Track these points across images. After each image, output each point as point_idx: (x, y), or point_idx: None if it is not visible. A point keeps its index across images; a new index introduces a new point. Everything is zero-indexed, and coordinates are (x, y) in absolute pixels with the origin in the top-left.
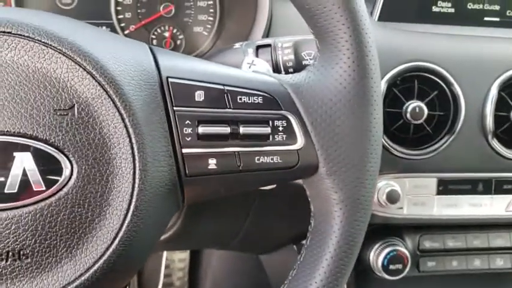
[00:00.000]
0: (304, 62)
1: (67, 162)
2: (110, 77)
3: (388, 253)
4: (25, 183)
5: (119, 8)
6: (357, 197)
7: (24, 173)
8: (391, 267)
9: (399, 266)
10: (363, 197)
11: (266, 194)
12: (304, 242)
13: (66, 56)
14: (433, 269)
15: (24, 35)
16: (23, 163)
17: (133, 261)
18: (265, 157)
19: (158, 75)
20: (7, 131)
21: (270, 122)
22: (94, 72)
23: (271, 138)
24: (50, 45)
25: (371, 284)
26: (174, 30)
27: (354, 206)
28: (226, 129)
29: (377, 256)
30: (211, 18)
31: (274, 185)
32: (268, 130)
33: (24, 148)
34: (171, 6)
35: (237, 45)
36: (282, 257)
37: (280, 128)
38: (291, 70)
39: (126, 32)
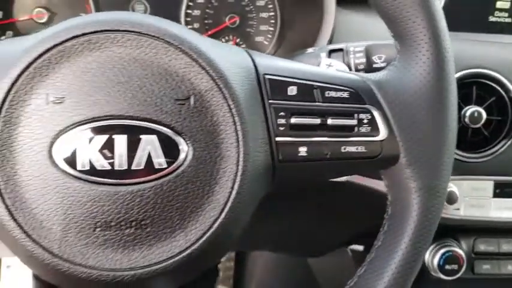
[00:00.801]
0: (374, 65)
1: (184, 144)
2: (220, 73)
3: (444, 253)
4: (149, 161)
5: (188, 19)
6: (434, 185)
7: (149, 153)
8: (447, 267)
9: (455, 267)
10: (439, 185)
11: (325, 193)
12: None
13: (184, 54)
14: (488, 272)
15: (150, 35)
16: (148, 144)
17: (234, 235)
18: (351, 147)
19: (256, 72)
20: (136, 116)
21: (355, 115)
22: (208, 68)
23: (356, 130)
24: (172, 43)
25: (427, 284)
26: (238, 40)
27: (431, 194)
28: (316, 121)
29: (432, 256)
30: (271, 29)
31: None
32: (354, 122)
33: (149, 131)
34: (236, 17)
35: (310, 50)
36: (334, 261)
37: (365, 121)
38: (362, 72)
39: None
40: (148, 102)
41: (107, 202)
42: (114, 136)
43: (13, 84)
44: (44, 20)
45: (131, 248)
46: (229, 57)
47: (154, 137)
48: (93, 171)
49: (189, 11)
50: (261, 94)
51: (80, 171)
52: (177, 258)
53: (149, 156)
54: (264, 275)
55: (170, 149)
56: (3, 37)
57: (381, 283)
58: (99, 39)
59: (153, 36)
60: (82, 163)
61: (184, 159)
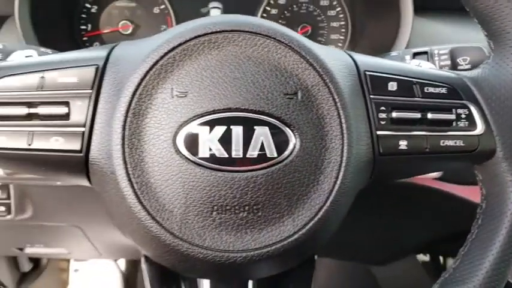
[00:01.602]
0: (459, 67)
1: (293, 136)
2: (326, 69)
3: None
4: (262, 150)
5: None
6: None
7: (262, 143)
8: None
9: None
10: None
11: (399, 197)
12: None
13: (294, 51)
14: None
15: (263, 34)
16: (261, 135)
17: (335, 226)
18: (450, 141)
19: (356, 69)
20: (251, 109)
21: (453, 110)
22: (315, 64)
23: (454, 124)
24: (282, 42)
25: None
26: None
27: None
28: (417, 115)
29: None
30: (342, 37)
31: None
32: (452, 117)
33: (262, 123)
34: (308, 27)
35: (394, 53)
36: (400, 269)
37: (463, 116)
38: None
39: None
40: (260, 97)
41: (224, 187)
42: (231, 127)
43: (142, 80)
44: (128, 32)
45: (243, 231)
46: (333, 55)
47: (266, 129)
48: (212, 158)
49: None
50: (362, 89)
51: (201, 158)
52: (285, 242)
53: (262, 146)
54: (327, 282)
55: (280, 140)
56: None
57: (479, 274)
58: (218, 39)
59: (266, 35)
60: (203, 151)
61: (293, 150)
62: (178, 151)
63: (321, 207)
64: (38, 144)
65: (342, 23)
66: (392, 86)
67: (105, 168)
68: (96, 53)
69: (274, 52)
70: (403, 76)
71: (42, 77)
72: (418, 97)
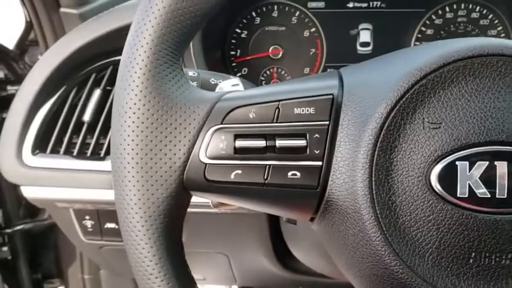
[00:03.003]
0: None
1: None
2: None
3: None
4: None
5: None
6: None
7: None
8: None
9: None
10: None
11: None
12: None
13: None
14: None
15: None
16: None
17: None
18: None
19: None
20: (511, 142)
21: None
22: None
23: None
24: None
25: None
26: None
27: None
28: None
29: None
30: None
31: None
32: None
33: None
34: None
35: None
36: None
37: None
38: None
39: None
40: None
41: (485, 231)
42: (495, 163)
43: (391, 111)
44: (278, 57)
45: (504, 281)
46: None
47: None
48: (472, 198)
49: (417, 43)
50: None
51: (459, 198)
52: None
53: None
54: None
55: None
56: (238, 74)
57: None
58: (474, 65)
59: None
60: (462, 190)
61: None
62: (432, 189)
63: None
64: (275, 179)
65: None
66: None
67: (346, 207)
68: (326, 81)
69: None
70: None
71: (278, 108)
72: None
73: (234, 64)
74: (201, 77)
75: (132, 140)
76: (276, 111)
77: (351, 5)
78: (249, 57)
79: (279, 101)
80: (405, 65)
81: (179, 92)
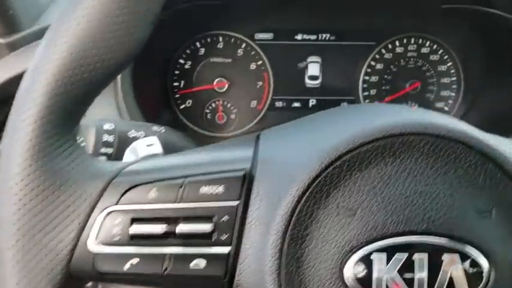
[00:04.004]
0: None
1: (487, 266)
2: None
3: None
4: (451, 285)
5: (365, 86)
6: None
7: (451, 276)
8: None
9: None
10: None
11: None
12: None
13: (488, 159)
14: None
15: (447, 137)
16: (451, 265)
17: None
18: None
19: None
20: (436, 232)
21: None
22: None
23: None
24: (474, 148)
25: None
26: (416, 106)
27: None
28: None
29: None
30: (453, 94)
31: None
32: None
33: (452, 250)
34: (417, 83)
35: None
36: None
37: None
38: None
39: None
40: (448, 216)
41: None
42: (415, 255)
43: (302, 194)
44: (224, 90)
45: None
46: None
47: (456, 257)
48: None
49: (366, 78)
50: None
51: None
52: None
53: (450, 280)
54: None
55: (473, 272)
56: (182, 106)
57: None
58: (394, 145)
59: (453, 139)
60: (378, 284)
61: (487, 283)
62: (345, 284)
63: None
64: (176, 269)
65: (453, 78)
66: None
67: None
68: (240, 151)
69: (463, 161)
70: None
71: (182, 186)
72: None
73: (177, 96)
74: (118, 131)
75: (13, 224)
76: (180, 190)
77: (299, 37)
78: (193, 89)
79: (184, 177)
80: (323, 140)
81: (70, 167)
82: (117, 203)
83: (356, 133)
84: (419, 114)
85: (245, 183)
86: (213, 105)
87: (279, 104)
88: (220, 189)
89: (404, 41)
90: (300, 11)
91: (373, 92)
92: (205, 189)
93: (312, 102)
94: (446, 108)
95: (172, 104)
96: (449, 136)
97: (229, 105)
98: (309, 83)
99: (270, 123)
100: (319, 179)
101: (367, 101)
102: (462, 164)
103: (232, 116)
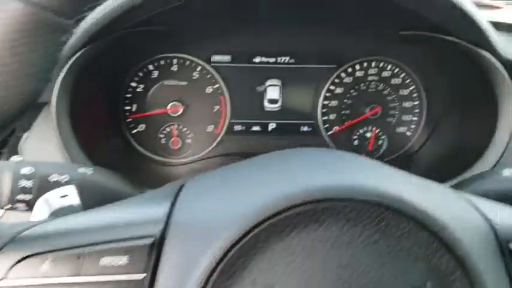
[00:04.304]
0: None
1: None
2: (463, 250)
3: None
4: None
5: (324, 110)
6: None
7: None
8: None
9: None
10: None
11: None
12: None
13: (422, 227)
14: None
15: (377, 203)
16: None
17: None
18: None
19: (496, 240)
20: None
21: None
22: (450, 244)
23: None
24: (406, 214)
25: None
26: (377, 131)
27: None
28: None
29: None
30: (415, 119)
31: None
32: None
33: None
34: (378, 108)
35: (508, 172)
36: None
37: None
38: None
39: (330, 133)
40: None
41: None
42: None
43: (216, 267)
44: (178, 114)
45: None
46: (468, 226)
47: None
48: None
49: (326, 102)
50: (508, 271)
51: None
52: None
53: None
54: None
55: None
56: (134, 131)
57: None
58: (316, 211)
59: (384, 205)
60: None
61: None
62: None
63: None
64: None
65: (416, 102)
66: None
67: None
68: (155, 209)
69: (394, 229)
70: None
71: (81, 257)
72: None
73: (129, 120)
74: (38, 175)
75: None
76: (79, 261)
77: (257, 59)
78: (146, 114)
79: (84, 246)
80: (243, 203)
81: None
82: (5, 277)
83: (276, 197)
84: (352, 173)
85: (153, 253)
86: (167, 129)
87: (237, 127)
88: (124, 260)
89: (365, 64)
90: (258, 33)
91: (332, 116)
92: (107, 261)
93: (272, 126)
94: (408, 134)
95: (123, 129)
96: (379, 202)
97: (184, 129)
98: (268, 106)
99: (228, 147)
100: (234, 250)
101: (326, 125)
102: (394, 233)
103: (188, 141)
